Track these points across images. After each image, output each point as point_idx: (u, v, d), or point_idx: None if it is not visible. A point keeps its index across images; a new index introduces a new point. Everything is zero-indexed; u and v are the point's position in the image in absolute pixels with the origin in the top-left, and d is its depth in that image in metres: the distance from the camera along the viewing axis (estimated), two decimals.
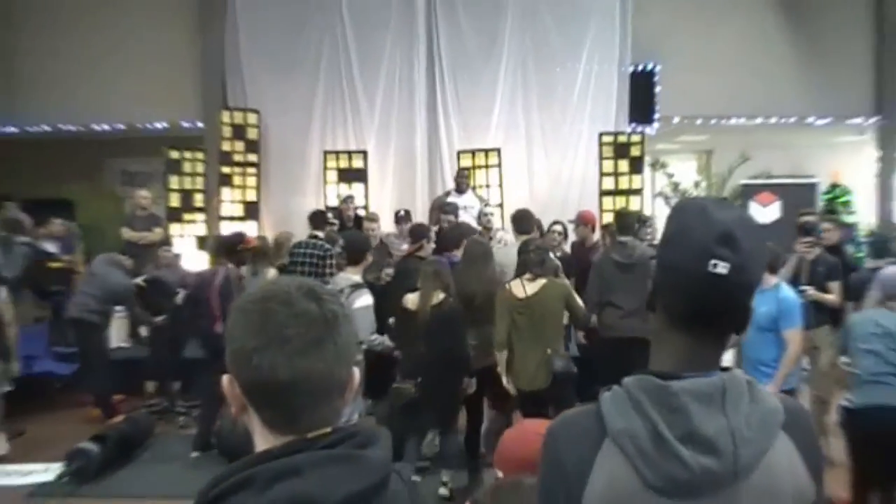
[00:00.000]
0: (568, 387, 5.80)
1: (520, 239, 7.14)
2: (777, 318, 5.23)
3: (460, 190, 9.76)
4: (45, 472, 6.67)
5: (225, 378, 1.28)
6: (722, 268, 1.36)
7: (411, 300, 6.03)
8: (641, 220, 8.85)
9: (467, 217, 9.31)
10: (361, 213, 10.01)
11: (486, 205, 9.69)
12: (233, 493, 1.16)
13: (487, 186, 10.52)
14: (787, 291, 5.41)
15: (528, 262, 5.90)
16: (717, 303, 1.39)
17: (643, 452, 1.34)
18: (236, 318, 1.27)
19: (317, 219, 7.99)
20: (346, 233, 7.53)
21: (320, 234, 7.87)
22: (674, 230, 1.45)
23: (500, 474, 2.65)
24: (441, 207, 9.25)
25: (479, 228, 8.99)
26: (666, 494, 1.34)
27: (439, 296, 5.91)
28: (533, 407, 5.75)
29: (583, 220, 8.63)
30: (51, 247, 9.48)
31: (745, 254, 1.38)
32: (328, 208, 9.87)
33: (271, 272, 8.06)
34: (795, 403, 1.48)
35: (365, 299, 5.48)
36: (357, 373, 1.33)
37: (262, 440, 1.26)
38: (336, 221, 9.35)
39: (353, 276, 5.64)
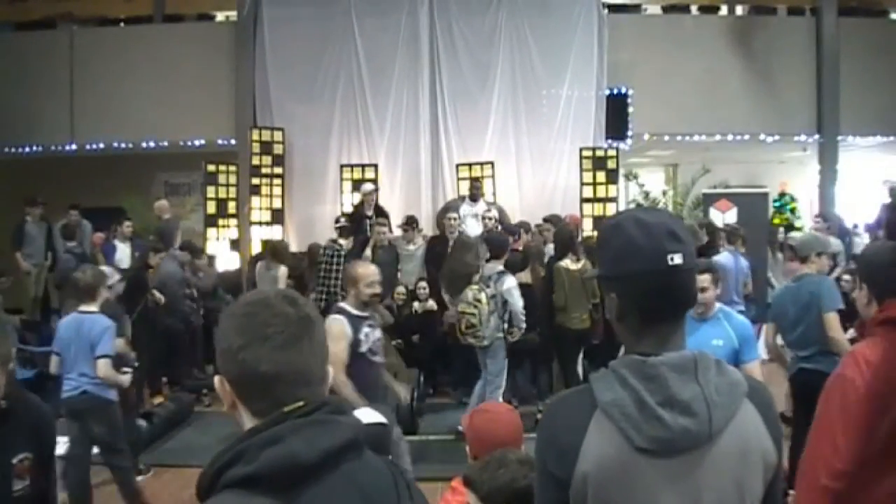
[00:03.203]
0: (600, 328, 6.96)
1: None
2: (738, 351, 3.97)
3: (474, 198, 9.79)
4: None
5: (216, 378, 1.28)
6: (678, 258, 1.41)
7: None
8: None
9: (478, 224, 9.33)
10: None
11: (489, 209, 9.73)
12: (228, 468, 1.16)
13: (482, 195, 10.50)
14: (738, 317, 4.19)
15: (576, 249, 7.09)
16: (679, 290, 1.44)
17: (629, 417, 1.36)
18: (224, 322, 1.27)
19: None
20: (489, 234, 7.94)
21: (343, 241, 8.05)
22: (620, 245, 1.45)
23: (471, 453, 2.58)
24: (444, 210, 9.28)
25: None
26: (650, 454, 1.36)
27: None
28: (572, 344, 6.94)
29: (573, 222, 9.15)
30: (122, 247, 9.53)
31: (687, 242, 1.43)
32: (343, 214, 9.88)
33: (282, 269, 8.25)
34: (756, 380, 1.51)
35: (510, 281, 6.59)
36: (331, 370, 1.33)
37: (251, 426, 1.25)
38: (346, 224, 9.35)
39: (497, 266, 6.69)
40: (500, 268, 6.70)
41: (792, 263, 5.47)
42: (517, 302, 6.56)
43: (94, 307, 5.11)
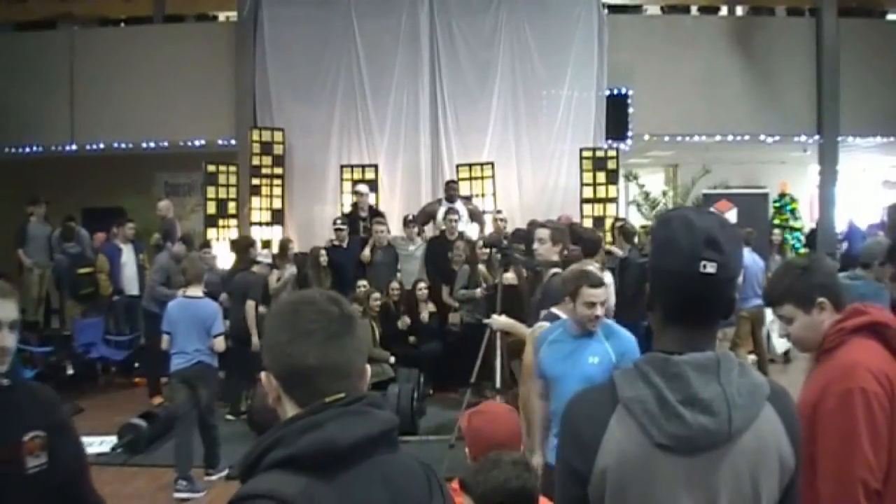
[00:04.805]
0: None
1: None
2: (617, 368, 3.71)
3: (450, 199, 9.80)
4: (100, 444, 6.71)
5: (262, 374, 1.37)
6: (711, 268, 1.41)
7: None
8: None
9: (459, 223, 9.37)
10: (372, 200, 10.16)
11: (499, 212, 9.91)
12: (268, 452, 1.24)
13: (482, 195, 10.55)
14: (621, 333, 3.74)
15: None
16: (708, 297, 1.44)
17: (650, 414, 1.38)
18: (271, 320, 1.37)
19: None
20: (583, 234, 7.75)
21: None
22: (662, 239, 1.48)
23: (470, 454, 2.58)
24: (447, 211, 9.32)
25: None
26: (670, 451, 1.37)
27: None
28: None
29: (566, 222, 8.90)
30: (126, 248, 9.59)
31: (727, 253, 1.43)
32: (343, 215, 9.90)
33: (290, 269, 8.32)
34: (778, 384, 1.52)
35: (609, 276, 6.22)
36: (368, 367, 1.41)
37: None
38: (345, 227, 9.38)
39: (592, 262, 6.24)
40: (597, 264, 6.68)
41: None
42: (612, 297, 6.51)
43: (199, 291, 6.03)
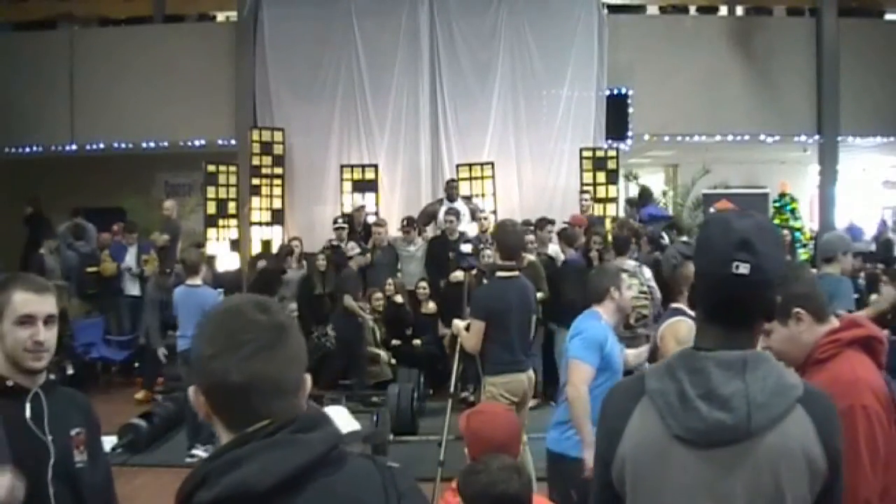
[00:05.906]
0: None
1: None
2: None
3: (451, 198, 9.81)
4: None
5: (190, 388, 1.24)
6: (743, 269, 1.43)
7: None
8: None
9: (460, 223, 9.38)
10: (371, 219, 10.05)
11: (482, 210, 9.89)
12: (194, 493, 1.14)
13: (482, 195, 10.55)
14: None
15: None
16: (743, 297, 1.46)
17: (670, 406, 1.43)
18: (198, 331, 1.24)
19: None
20: (615, 235, 7.83)
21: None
22: (700, 241, 1.55)
23: (469, 454, 2.59)
24: (446, 212, 9.33)
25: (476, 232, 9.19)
26: (687, 443, 1.41)
27: None
28: None
29: (578, 223, 9.06)
30: (131, 250, 9.68)
31: (762, 255, 1.45)
32: (343, 215, 9.91)
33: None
34: (820, 389, 1.52)
35: (648, 271, 6.39)
36: (308, 378, 1.28)
37: (225, 440, 1.20)
38: (347, 226, 9.41)
39: (626, 260, 6.53)
40: (634, 262, 6.67)
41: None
42: (657, 290, 6.48)
43: (198, 281, 6.60)
